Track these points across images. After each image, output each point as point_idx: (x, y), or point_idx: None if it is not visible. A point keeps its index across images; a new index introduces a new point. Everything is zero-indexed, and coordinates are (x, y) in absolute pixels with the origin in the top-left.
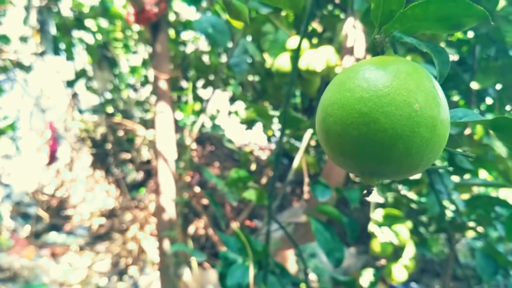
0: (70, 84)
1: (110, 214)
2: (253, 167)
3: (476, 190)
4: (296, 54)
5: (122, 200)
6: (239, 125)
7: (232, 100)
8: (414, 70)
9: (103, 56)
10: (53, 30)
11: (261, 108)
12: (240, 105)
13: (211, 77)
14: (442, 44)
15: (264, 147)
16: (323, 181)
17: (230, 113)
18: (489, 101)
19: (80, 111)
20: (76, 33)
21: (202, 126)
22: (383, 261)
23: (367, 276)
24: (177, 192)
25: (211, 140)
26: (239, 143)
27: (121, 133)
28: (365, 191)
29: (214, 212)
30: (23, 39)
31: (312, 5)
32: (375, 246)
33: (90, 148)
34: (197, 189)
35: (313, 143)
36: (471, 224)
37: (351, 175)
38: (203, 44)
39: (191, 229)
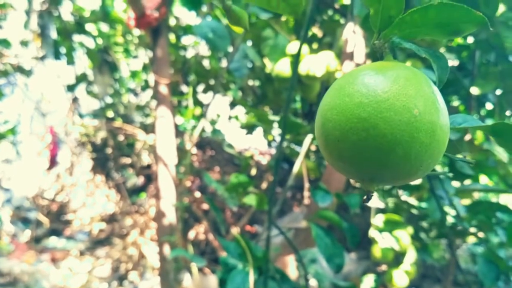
0: (71, 88)
1: (110, 219)
2: (253, 172)
3: (477, 195)
4: (296, 59)
5: (122, 205)
6: (239, 130)
7: (232, 105)
8: (413, 76)
9: (103, 61)
10: (53, 34)
11: (261, 113)
12: (240, 110)
13: (212, 82)
14: (442, 50)
15: (264, 152)
16: (323, 186)
17: (230, 118)
18: (489, 106)
19: (81, 116)
20: (77, 38)
21: (203, 130)
22: (383, 267)
23: (368, 282)
24: (178, 197)
25: (211, 145)
26: (240, 148)
27: (121, 137)
28: (365, 197)
29: (215, 217)
30: (24, 43)
31: (312, 10)
32: (376, 251)
33: (90, 152)
34: (197, 194)
35: (313, 148)
36: (472, 229)
37: (351, 180)
38: (204, 49)
39: (191, 234)
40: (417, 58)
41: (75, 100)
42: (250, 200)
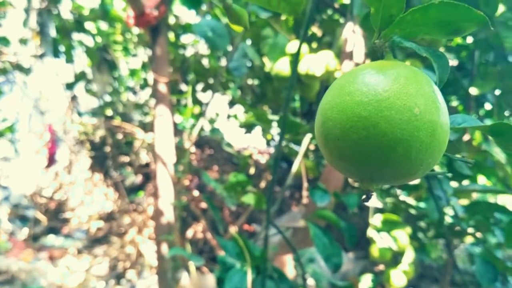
0: (70, 86)
1: (108, 217)
2: (252, 171)
3: (475, 196)
4: (295, 59)
5: (121, 203)
6: (238, 129)
7: (231, 103)
8: (413, 75)
9: (102, 59)
10: (53, 33)
11: (260, 112)
12: (239, 109)
13: (211, 81)
14: (441, 49)
15: (263, 151)
16: (322, 186)
17: (229, 116)
18: (488, 106)
19: (79, 114)
20: (76, 36)
21: (201, 129)
22: (381, 267)
23: (365, 281)
24: (176, 196)
25: (210, 143)
26: (238, 147)
27: (120, 136)
28: (364, 196)
29: (213, 216)
30: (23, 41)
31: (312, 10)
32: (374, 251)
33: (89, 151)
34: (195, 193)
35: (312, 147)
36: (470, 230)
37: (350, 179)
38: (203, 48)
39: (189, 233)
40: (416, 58)
41: (73, 98)
42: (249, 199)
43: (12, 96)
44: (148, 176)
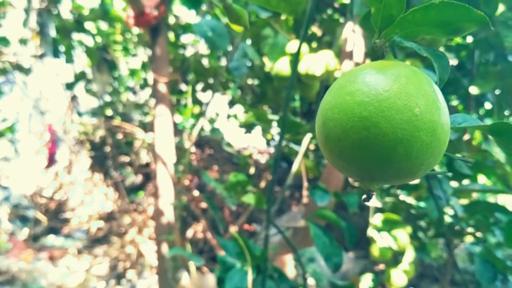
0: (69, 86)
1: (109, 217)
2: (252, 170)
3: (475, 195)
4: (295, 58)
5: (121, 203)
6: (238, 129)
7: (231, 103)
8: (414, 75)
9: (102, 59)
10: (52, 33)
11: (260, 112)
12: (239, 109)
13: (211, 81)
14: (441, 49)
15: (263, 151)
16: (322, 186)
17: (229, 116)
18: (488, 106)
19: (79, 114)
20: (76, 36)
21: (201, 129)
22: (381, 266)
23: (366, 281)
24: (176, 196)
25: (210, 143)
26: (238, 147)
27: (120, 136)
28: (364, 196)
29: (213, 216)
30: (23, 42)
31: (312, 9)
32: (375, 250)
33: (89, 151)
34: (195, 193)
35: (312, 147)
36: (470, 229)
37: (350, 179)
38: (203, 48)
39: (189, 233)
40: (416, 57)
41: (73, 98)
42: (249, 199)
43: (12, 96)
44: (148, 176)
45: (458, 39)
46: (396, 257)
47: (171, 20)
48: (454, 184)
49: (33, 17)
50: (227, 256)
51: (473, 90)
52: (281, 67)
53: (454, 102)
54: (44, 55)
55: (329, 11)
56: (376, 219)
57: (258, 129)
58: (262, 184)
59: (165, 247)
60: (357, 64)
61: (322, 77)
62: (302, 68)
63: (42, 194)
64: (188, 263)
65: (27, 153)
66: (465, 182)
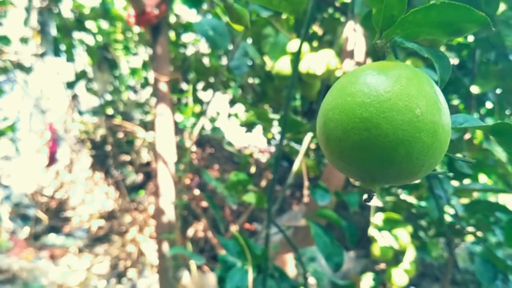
0: (70, 85)
1: (109, 216)
2: (252, 169)
3: (475, 195)
4: (296, 57)
5: (122, 202)
6: (239, 128)
7: (232, 102)
8: (415, 76)
9: (103, 58)
10: (53, 31)
11: (261, 111)
12: (240, 108)
13: (211, 80)
14: (442, 48)
15: (264, 150)
16: (322, 185)
17: (230, 115)
18: (489, 105)
19: (80, 113)
20: (77, 35)
21: (202, 128)
22: (382, 265)
23: (367, 280)
24: (177, 195)
25: (211, 142)
26: (239, 146)
27: (121, 135)
28: (365, 197)
29: (214, 215)
30: (24, 40)
31: (313, 9)
32: (375, 250)
33: (89, 149)
34: (196, 192)
35: (313, 146)
36: (470, 228)
37: (351, 179)
38: (204, 47)
39: (190, 232)
40: (417, 57)
41: (74, 97)
42: (249, 198)
43: (13, 95)
44: (149, 175)
45: (459, 39)
46: (397, 257)
47: (172, 19)
48: (454, 183)
49: (34, 16)
50: (228, 255)
51: (474, 89)
52: (282, 66)
53: (455, 102)
54: (45, 54)
55: (330, 10)
56: (377, 219)
57: (259, 128)
58: (263, 183)
59: (166, 246)
60: (358, 63)
61: (323, 76)
62: (303, 67)
63: (43, 193)
64: (189, 262)
65: (28, 152)
66: (466, 181)
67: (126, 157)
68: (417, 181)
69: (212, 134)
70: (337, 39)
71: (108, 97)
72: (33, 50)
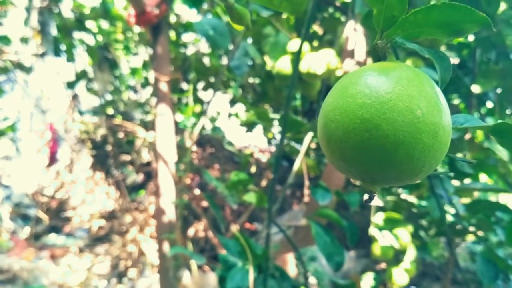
0: (71, 85)
1: (110, 216)
2: (253, 169)
3: (476, 194)
4: (297, 57)
5: (122, 202)
6: (239, 128)
7: (233, 102)
8: (416, 76)
9: (103, 58)
10: (53, 31)
11: (261, 110)
12: (240, 108)
13: (212, 79)
14: (443, 48)
15: (264, 150)
16: (323, 184)
17: (230, 115)
18: (489, 104)
19: (81, 113)
20: (77, 35)
21: (203, 128)
22: (383, 265)
23: (367, 280)
24: (177, 194)
25: (211, 142)
26: (239, 146)
27: (121, 134)
28: (366, 197)
29: (214, 215)
30: (24, 40)
31: (313, 8)
32: (376, 249)
33: (90, 149)
34: (197, 192)
35: (313, 146)
36: (471, 228)
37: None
38: (204, 46)
39: (190, 232)
40: (418, 57)
41: (75, 97)
42: (250, 197)
43: (13, 95)
44: (150, 174)
45: (459, 38)
46: (397, 256)
47: (172, 19)
48: (455, 183)
49: (34, 15)
50: (229, 255)
51: (475, 88)
52: (282, 65)
53: (456, 101)
54: (45, 54)
55: (331, 10)
56: (378, 218)
57: (259, 128)
58: (263, 183)
59: (166, 246)
60: (358, 63)
61: (323, 76)
62: (303, 67)
63: (43, 192)
64: (189, 261)
65: (28, 152)
66: (467, 181)
67: (126, 157)
68: (417, 181)
69: (212, 133)
70: (338, 38)
71: (109, 97)
72: (34, 50)
